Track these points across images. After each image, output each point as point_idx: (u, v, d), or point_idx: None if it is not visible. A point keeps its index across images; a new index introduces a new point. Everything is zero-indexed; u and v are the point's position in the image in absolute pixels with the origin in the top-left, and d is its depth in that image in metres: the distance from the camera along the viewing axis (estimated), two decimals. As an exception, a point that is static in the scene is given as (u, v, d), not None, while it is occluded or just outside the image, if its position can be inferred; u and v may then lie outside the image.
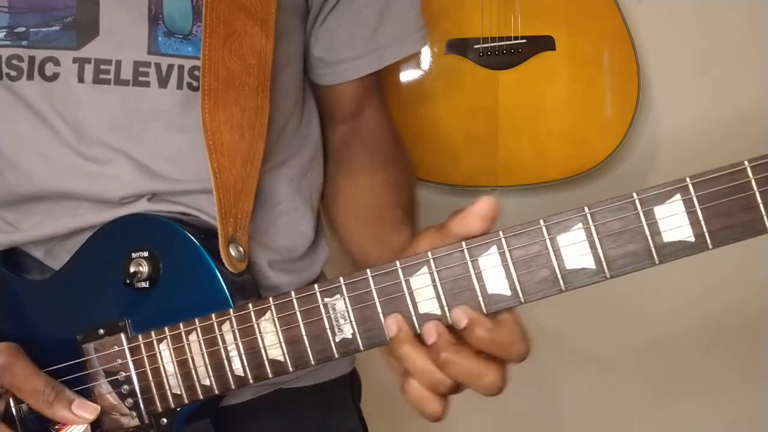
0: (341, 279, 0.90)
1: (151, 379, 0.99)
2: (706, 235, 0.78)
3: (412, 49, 1.26)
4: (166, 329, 0.98)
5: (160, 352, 0.98)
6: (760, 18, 1.83)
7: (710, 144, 1.85)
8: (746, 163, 0.77)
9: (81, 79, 1.06)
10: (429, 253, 0.87)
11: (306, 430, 1.22)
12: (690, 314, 1.98)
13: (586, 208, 0.81)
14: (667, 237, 0.79)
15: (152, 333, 0.99)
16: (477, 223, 0.85)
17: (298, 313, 0.92)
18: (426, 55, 1.80)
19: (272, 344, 0.93)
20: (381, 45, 1.23)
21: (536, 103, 1.79)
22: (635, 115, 1.76)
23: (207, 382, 0.97)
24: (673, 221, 0.79)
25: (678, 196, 0.79)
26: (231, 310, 0.95)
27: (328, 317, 0.91)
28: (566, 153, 1.80)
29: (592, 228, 0.81)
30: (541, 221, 0.83)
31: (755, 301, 1.95)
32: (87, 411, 0.99)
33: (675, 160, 1.89)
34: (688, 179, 0.78)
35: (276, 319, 0.93)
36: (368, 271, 0.89)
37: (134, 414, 1.00)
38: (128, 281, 1.01)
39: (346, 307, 0.90)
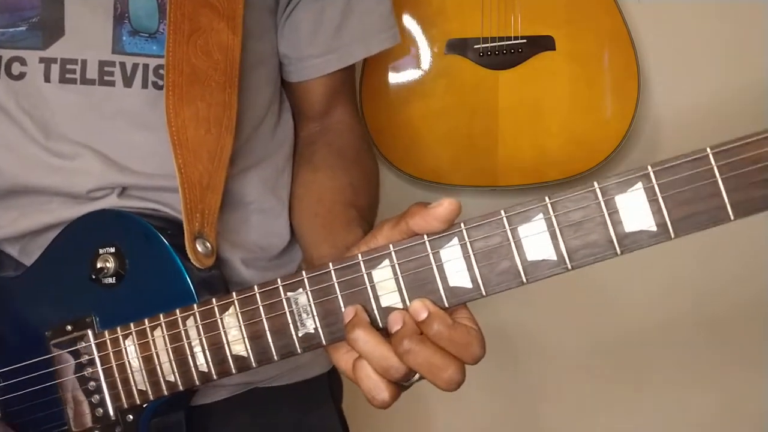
0: (304, 273, 0.89)
1: (117, 375, 0.98)
2: (669, 224, 0.76)
3: (377, 48, 1.24)
4: (132, 325, 0.97)
5: (125, 348, 0.98)
6: (760, 18, 1.82)
7: (710, 143, 1.83)
8: (708, 150, 0.75)
9: (47, 79, 1.06)
10: (390, 246, 0.85)
11: (282, 430, 1.20)
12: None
13: (546, 198, 0.79)
14: (629, 227, 0.77)
15: (118, 329, 0.98)
16: (437, 225, 0.83)
17: (261, 308, 0.91)
18: (426, 55, 1.79)
19: (235, 339, 0.92)
20: (344, 43, 1.21)
21: (536, 103, 1.77)
22: (635, 115, 1.75)
23: (171, 378, 0.96)
24: (635, 210, 0.77)
25: (639, 185, 0.76)
26: (195, 306, 0.94)
27: (291, 312, 0.89)
28: (566, 153, 1.78)
29: (553, 218, 0.79)
30: (502, 212, 0.81)
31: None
32: None
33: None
34: (649, 167, 0.76)
35: (239, 314, 0.92)
36: (330, 264, 0.88)
37: (100, 410, 0.99)
38: (95, 277, 1.00)
39: (309, 301, 0.88)
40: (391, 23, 1.25)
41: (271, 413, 1.19)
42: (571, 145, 1.77)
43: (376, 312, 0.86)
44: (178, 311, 0.95)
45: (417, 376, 0.87)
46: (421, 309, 0.83)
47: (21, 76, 1.06)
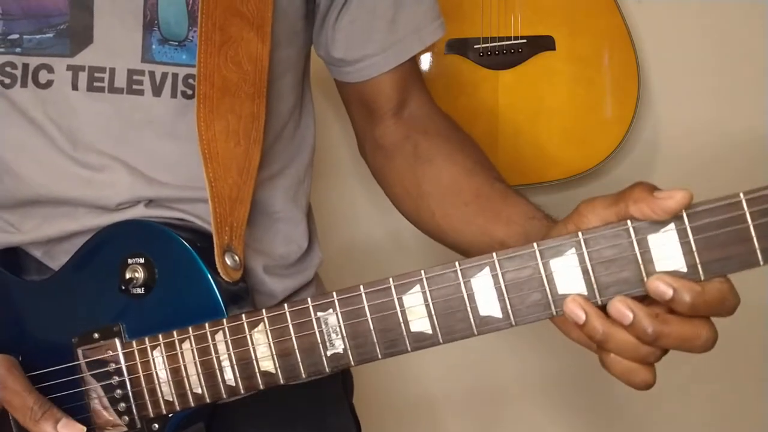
0: (334, 294, 0.91)
1: (143, 385, 1.00)
2: (699, 266, 0.78)
3: (431, 39, 1.22)
4: (160, 336, 0.98)
5: (153, 359, 0.99)
6: (760, 18, 1.83)
7: (710, 144, 1.85)
8: (741, 195, 0.76)
9: (75, 87, 1.06)
10: (422, 272, 0.87)
11: (297, 427, 1.21)
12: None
13: (580, 234, 0.82)
14: (660, 266, 0.79)
15: (146, 339, 0.99)
16: (664, 217, 0.79)
17: (290, 326, 0.92)
18: (426, 55, 1.80)
19: (264, 356, 0.94)
20: (399, 38, 1.19)
21: (536, 103, 1.79)
22: (635, 115, 1.77)
23: (199, 391, 0.97)
24: (667, 250, 0.79)
25: (672, 226, 0.79)
26: (224, 321, 0.96)
27: (320, 331, 0.91)
28: (566, 153, 1.80)
29: (585, 254, 0.81)
30: (535, 245, 0.83)
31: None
32: (72, 430, 0.99)
33: (675, 159, 1.89)
34: (683, 210, 0.78)
35: (268, 331, 0.93)
36: (361, 287, 0.89)
37: (126, 418, 1.01)
38: (124, 287, 1.01)
39: (339, 322, 0.90)
40: (438, 12, 1.24)
41: (288, 410, 1.20)
42: (571, 145, 1.79)
43: (406, 337, 0.88)
44: (207, 325, 0.96)
45: None
46: (662, 288, 0.79)
47: (48, 84, 1.06)
